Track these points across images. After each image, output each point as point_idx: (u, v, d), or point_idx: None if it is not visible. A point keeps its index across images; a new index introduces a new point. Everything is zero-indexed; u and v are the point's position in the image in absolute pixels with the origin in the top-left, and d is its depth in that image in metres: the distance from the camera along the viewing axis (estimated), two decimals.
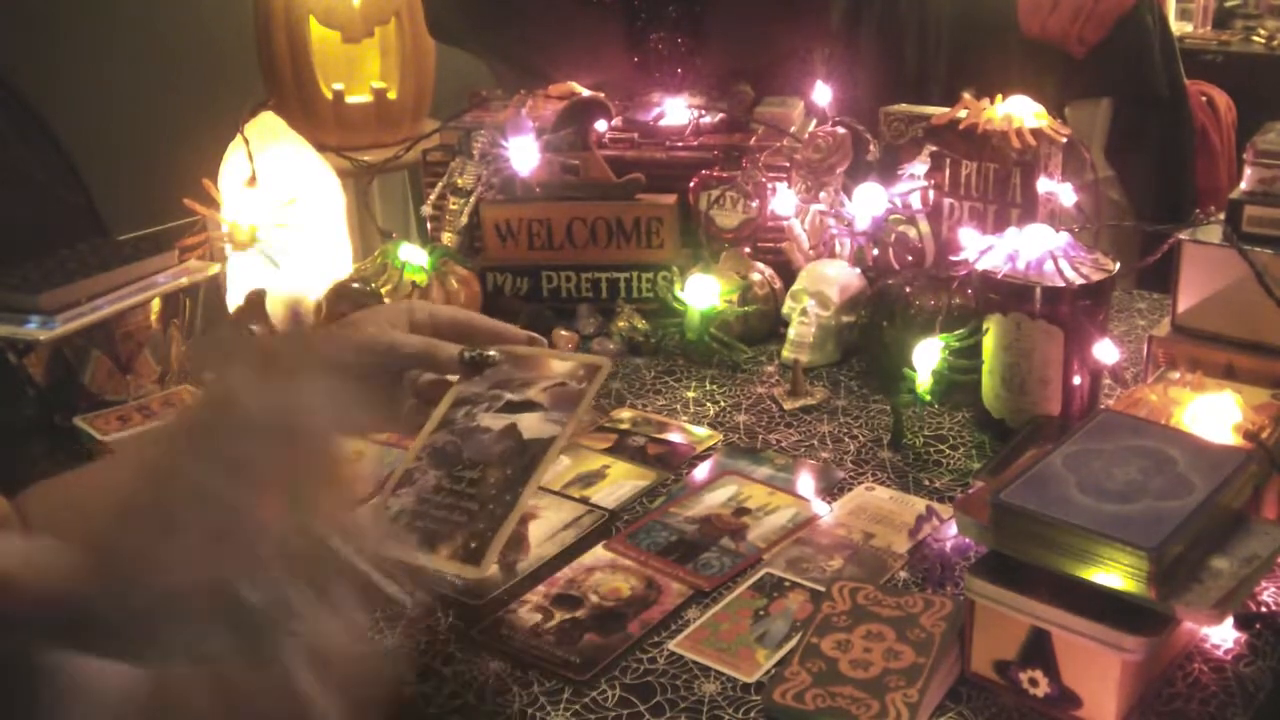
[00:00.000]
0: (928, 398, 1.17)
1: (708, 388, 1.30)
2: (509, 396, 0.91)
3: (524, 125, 1.44)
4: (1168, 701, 0.81)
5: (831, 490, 1.09)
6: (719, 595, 0.94)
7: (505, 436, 0.88)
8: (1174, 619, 0.77)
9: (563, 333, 1.40)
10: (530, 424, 0.88)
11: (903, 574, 0.96)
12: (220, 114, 1.51)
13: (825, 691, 0.80)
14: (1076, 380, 1.11)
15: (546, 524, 1.04)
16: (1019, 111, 1.31)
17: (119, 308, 1.27)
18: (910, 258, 1.36)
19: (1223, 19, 3.73)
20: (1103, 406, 1.10)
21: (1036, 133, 1.29)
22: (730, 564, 0.97)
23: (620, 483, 1.10)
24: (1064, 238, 1.14)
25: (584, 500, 1.08)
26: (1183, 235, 1.13)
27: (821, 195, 1.44)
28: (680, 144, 1.50)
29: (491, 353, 0.92)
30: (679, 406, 1.26)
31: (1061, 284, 1.09)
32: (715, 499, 1.07)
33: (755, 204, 1.41)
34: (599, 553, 1.00)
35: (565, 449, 1.15)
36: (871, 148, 1.41)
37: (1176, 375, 1.08)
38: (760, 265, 1.42)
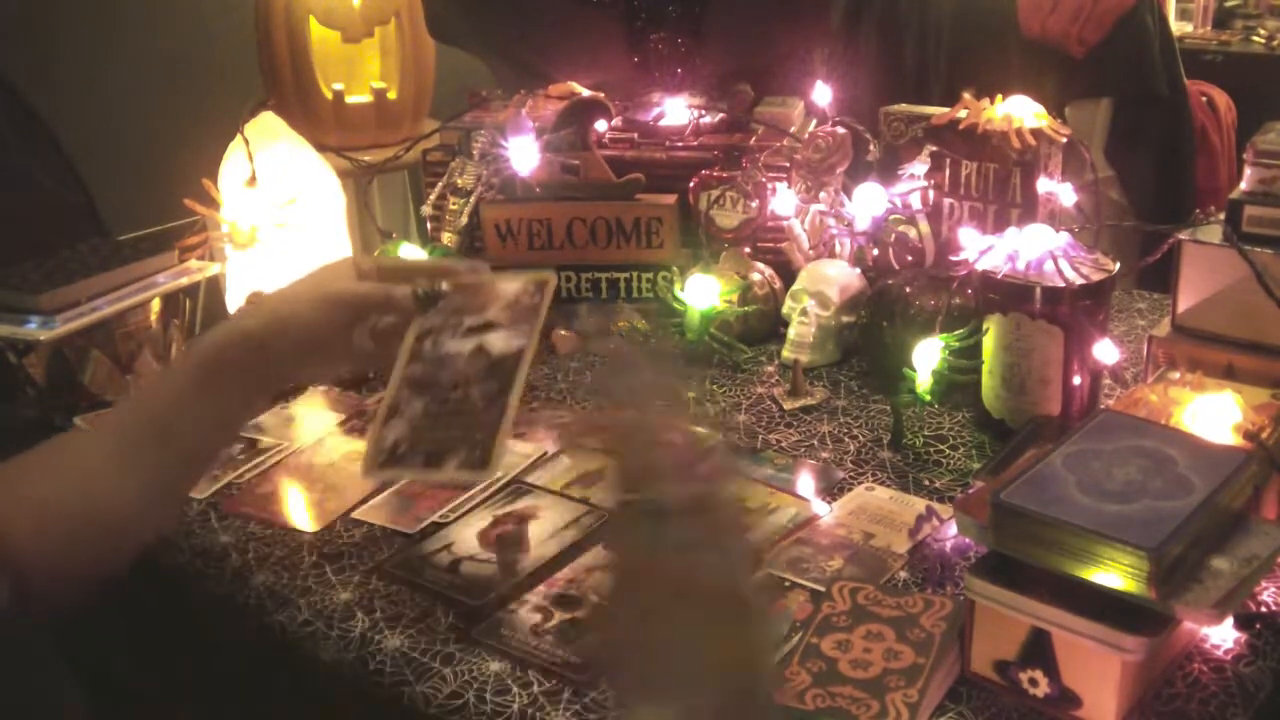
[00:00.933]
0: (928, 398, 1.17)
1: (708, 388, 1.30)
2: (469, 322, 0.94)
3: (524, 125, 1.44)
4: (1168, 701, 0.81)
5: (831, 490, 1.09)
6: None
7: (477, 356, 0.91)
8: (1174, 619, 0.77)
9: (562, 333, 1.40)
10: (496, 341, 0.92)
11: (903, 574, 0.96)
12: (220, 114, 1.51)
13: (825, 691, 0.80)
14: (1076, 380, 1.11)
15: (546, 524, 1.04)
16: (1019, 111, 1.31)
17: (119, 308, 1.28)
18: (910, 258, 1.36)
19: (1223, 19, 3.72)
20: (1103, 406, 1.10)
21: (1036, 133, 1.29)
22: None
23: None
24: (1064, 238, 1.14)
25: (584, 500, 1.08)
26: (1183, 235, 1.13)
27: (821, 195, 1.44)
28: (680, 144, 1.50)
29: (442, 285, 0.97)
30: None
31: (1061, 284, 1.09)
32: None
33: (755, 204, 1.41)
34: (599, 553, 1.00)
35: (565, 449, 1.16)
36: (871, 148, 1.41)
37: (1176, 375, 1.08)
38: (760, 265, 1.42)
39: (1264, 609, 0.89)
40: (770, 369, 1.34)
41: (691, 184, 1.44)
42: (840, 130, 1.42)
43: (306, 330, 0.94)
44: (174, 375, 0.95)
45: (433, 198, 1.52)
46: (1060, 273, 1.09)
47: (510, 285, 0.97)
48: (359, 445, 1.20)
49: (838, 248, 1.42)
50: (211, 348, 0.93)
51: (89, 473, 0.88)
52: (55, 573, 0.85)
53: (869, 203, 1.37)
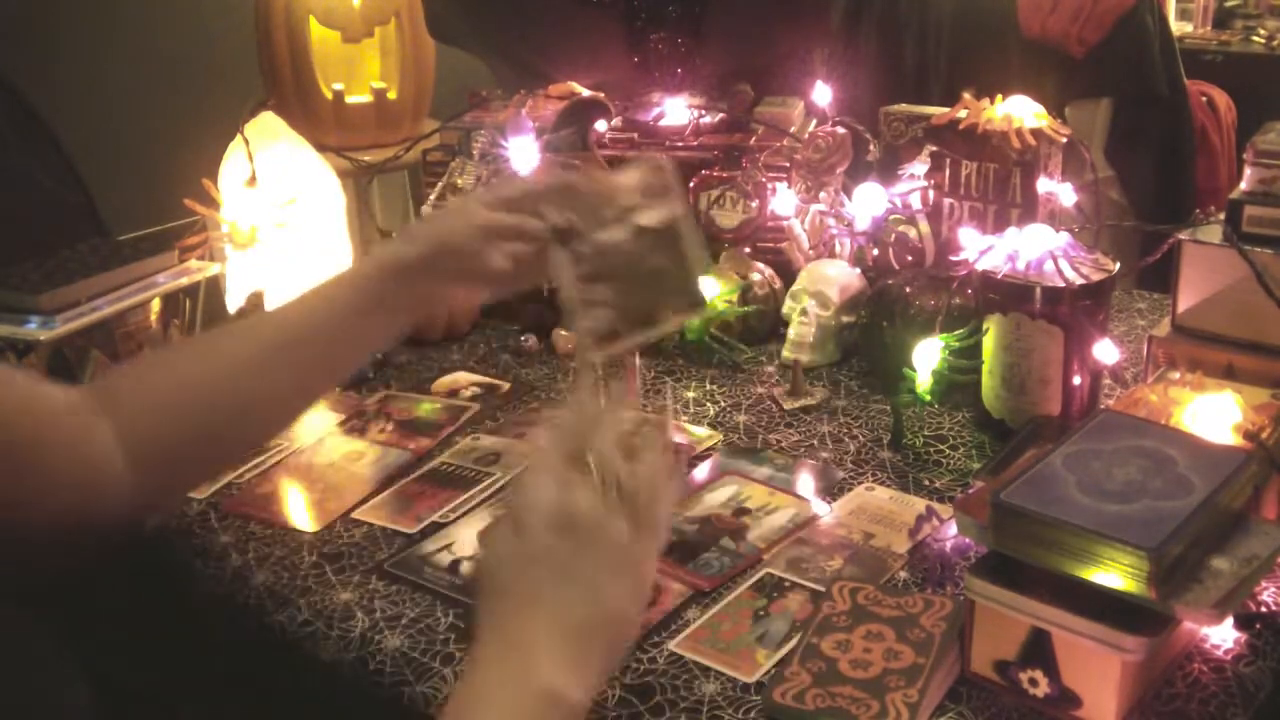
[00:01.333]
0: (928, 398, 1.17)
1: (708, 388, 1.30)
2: (609, 215, 0.99)
3: (524, 125, 1.44)
4: (1168, 701, 0.81)
5: (831, 490, 1.09)
6: (719, 595, 0.94)
7: (639, 234, 0.97)
8: (1174, 619, 0.77)
9: (563, 333, 1.40)
10: (647, 217, 0.97)
11: (903, 574, 0.96)
12: (220, 114, 1.51)
13: (825, 691, 0.80)
14: (1076, 380, 1.11)
15: None
16: (1019, 111, 1.31)
17: (119, 308, 1.27)
18: (910, 258, 1.36)
19: (1223, 19, 3.73)
20: (1103, 406, 1.10)
21: (1036, 133, 1.29)
22: (730, 564, 0.97)
23: None
24: (1064, 238, 1.14)
25: None
26: (1183, 235, 1.13)
27: (821, 195, 1.44)
28: (680, 144, 1.50)
29: (572, 218, 1.00)
30: (679, 406, 1.26)
31: (1061, 284, 1.09)
32: (715, 499, 1.07)
33: (755, 204, 1.41)
34: None
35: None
36: (871, 148, 1.41)
37: (1176, 375, 1.09)
38: (760, 265, 1.42)
39: (1264, 609, 0.89)
40: (770, 369, 1.34)
41: (691, 184, 1.44)
42: (840, 130, 1.42)
43: (456, 257, 0.99)
44: (335, 291, 0.98)
45: (433, 198, 1.52)
46: (1060, 273, 1.09)
47: (629, 177, 1.00)
48: (359, 445, 1.20)
49: (838, 248, 1.42)
50: (373, 272, 0.98)
51: (233, 365, 0.94)
52: (178, 463, 0.92)
53: (869, 203, 1.37)
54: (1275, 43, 3.45)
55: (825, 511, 1.05)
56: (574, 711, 0.69)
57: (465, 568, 0.99)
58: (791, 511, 1.05)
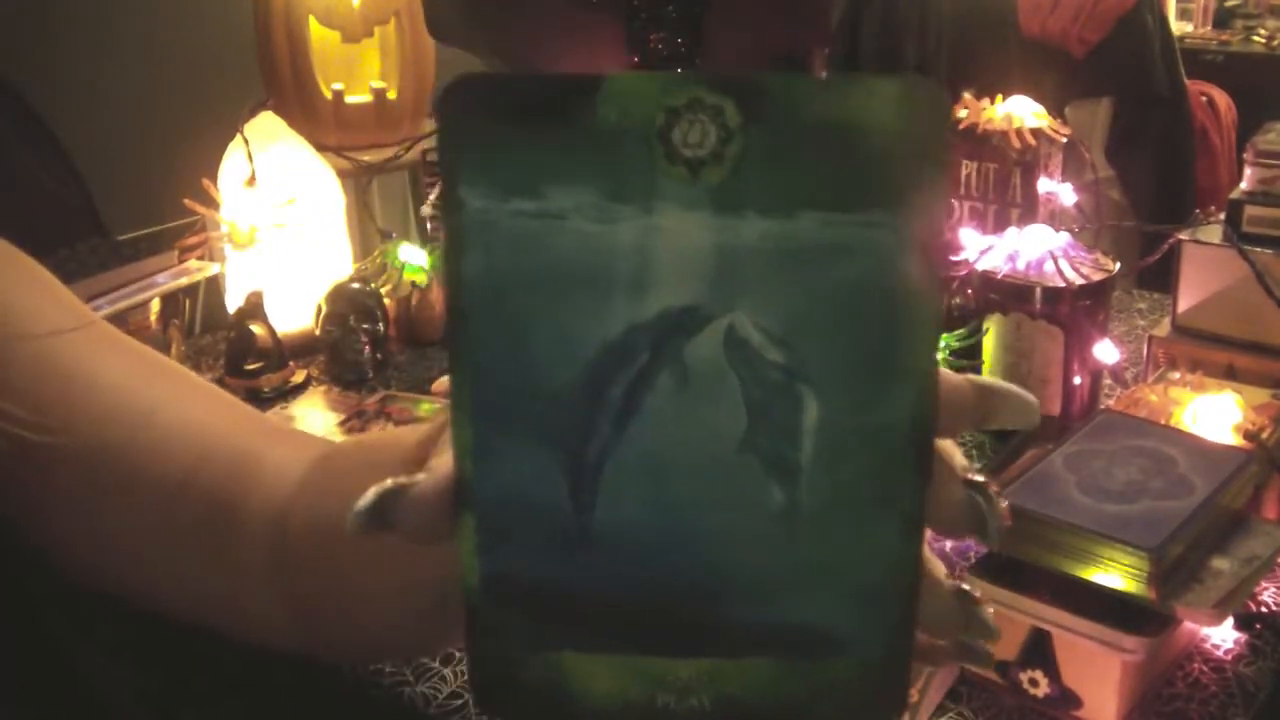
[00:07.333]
0: None
1: None
2: None
3: None
4: (1168, 702, 0.81)
5: None
6: None
7: None
8: (1174, 619, 0.77)
9: None
10: None
11: None
12: (220, 114, 1.50)
13: None
14: (1076, 380, 1.11)
15: None
16: (1019, 111, 1.31)
17: (119, 308, 1.27)
18: None
19: (1223, 19, 3.73)
20: (1103, 406, 1.09)
21: (1036, 133, 1.28)
22: None
23: None
24: (1064, 238, 1.14)
25: None
26: (1183, 235, 1.13)
27: None
28: None
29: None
30: None
31: (1061, 284, 1.09)
32: None
33: None
34: None
35: None
36: None
37: (1176, 375, 1.08)
38: None
39: (1264, 609, 0.89)
40: None
41: None
42: None
43: None
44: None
45: (433, 198, 1.52)
46: (1060, 273, 1.09)
47: None
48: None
49: None
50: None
51: None
52: None
53: None
54: (1275, 43, 3.45)
55: None
56: None
57: None
58: None
